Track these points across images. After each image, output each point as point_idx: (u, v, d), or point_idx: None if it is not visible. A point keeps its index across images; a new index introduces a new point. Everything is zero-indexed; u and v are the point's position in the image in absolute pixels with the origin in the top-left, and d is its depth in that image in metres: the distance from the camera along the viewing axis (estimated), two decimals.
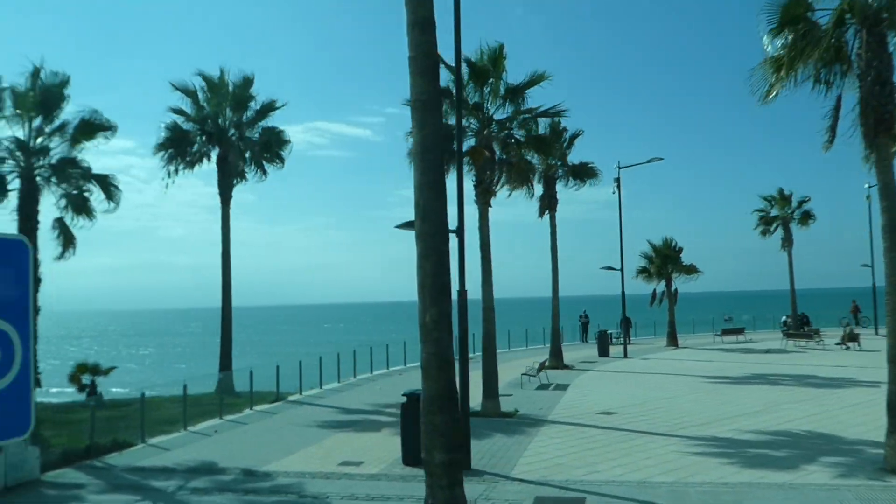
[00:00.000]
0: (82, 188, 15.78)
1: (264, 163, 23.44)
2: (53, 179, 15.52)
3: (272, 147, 23.09)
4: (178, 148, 22.53)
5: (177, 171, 22.79)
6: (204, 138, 22.87)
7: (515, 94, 17.02)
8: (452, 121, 17.65)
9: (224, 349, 23.23)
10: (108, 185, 15.74)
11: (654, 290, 35.56)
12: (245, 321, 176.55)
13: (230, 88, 22.80)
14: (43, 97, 14.68)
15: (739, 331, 38.31)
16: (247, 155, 23.17)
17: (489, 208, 17.62)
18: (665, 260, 34.83)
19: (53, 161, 15.27)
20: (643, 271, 35.34)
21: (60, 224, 15.37)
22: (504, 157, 17.19)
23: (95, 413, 16.45)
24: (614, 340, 37.92)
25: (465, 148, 17.69)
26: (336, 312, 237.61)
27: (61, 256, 15.70)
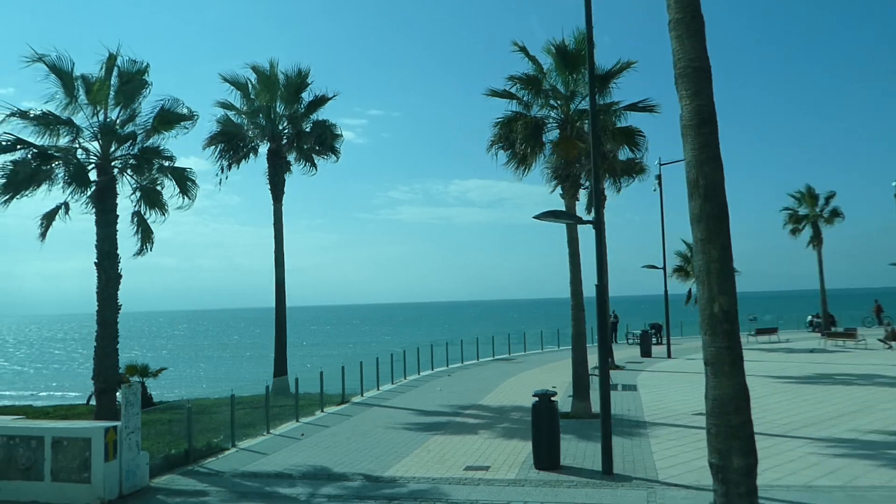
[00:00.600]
0: (156, 181, 14.94)
1: (314, 156, 22.62)
2: (129, 171, 14.66)
3: (326, 140, 22.30)
4: (230, 143, 21.72)
5: (229, 166, 21.98)
6: (256, 132, 22.06)
7: (605, 81, 16.40)
8: (533, 112, 17.14)
9: (278, 351, 22.41)
10: (184, 180, 14.88)
11: (690, 289, 35.14)
12: (239, 323, 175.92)
13: (281, 80, 21.97)
14: (121, 85, 13.85)
15: (773, 330, 37.99)
16: (299, 149, 22.34)
17: (577, 202, 17.04)
18: None
19: (134, 151, 14.38)
20: (679, 270, 34.93)
21: (139, 218, 14.52)
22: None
23: (160, 416, 15.70)
24: (639, 341, 37.63)
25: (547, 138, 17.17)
26: (321, 314, 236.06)
27: (140, 253, 14.86)
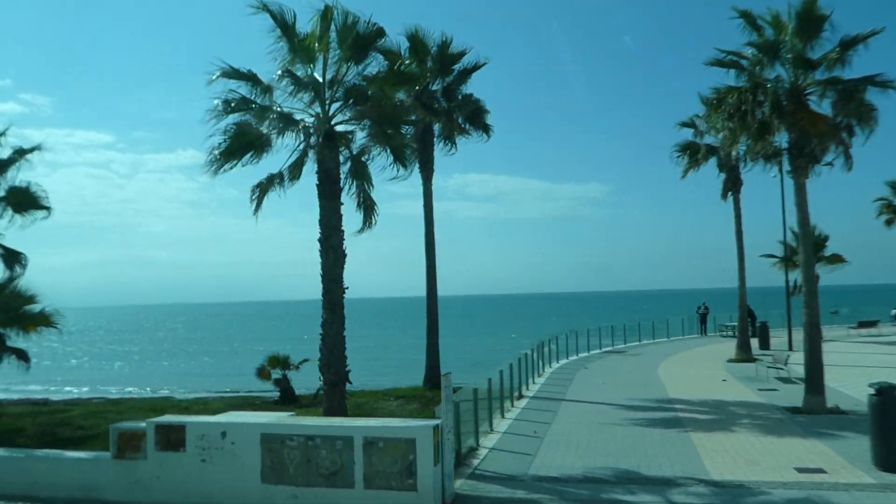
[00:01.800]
0: (364, 151, 13.25)
1: (471, 130, 21.03)
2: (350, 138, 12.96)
3: (479, 116, 20.78)
4: None
5: None
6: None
7: (846, 48, 14.95)
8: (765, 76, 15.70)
9: (431, 341, 20.94)
10: (402, 149, 13.21)
11: (795, 280, 33.81)
12: (239, 316, 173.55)
13: (432, 50, 20.37)
14: (348, 40, 12.24)
15: (873, 323, 36.74)
16: (449, 124, 20.77)
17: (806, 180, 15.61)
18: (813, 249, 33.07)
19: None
20: (784, 260, 33.59)
21: (362, 190, 12.90)
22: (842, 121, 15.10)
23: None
24: (736, 333, 36.28)
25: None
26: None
27: (363, 230, 13.33)
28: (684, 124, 26.44)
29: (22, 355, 14.92)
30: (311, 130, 12.68)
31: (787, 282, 30.31)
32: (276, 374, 19.93)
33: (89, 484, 9.83)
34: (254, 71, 12.68)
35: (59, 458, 10.28)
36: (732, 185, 25.69)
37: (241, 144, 12.27)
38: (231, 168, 12.50)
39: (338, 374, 12.35)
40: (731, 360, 25.44)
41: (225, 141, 12.23)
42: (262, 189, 12.86)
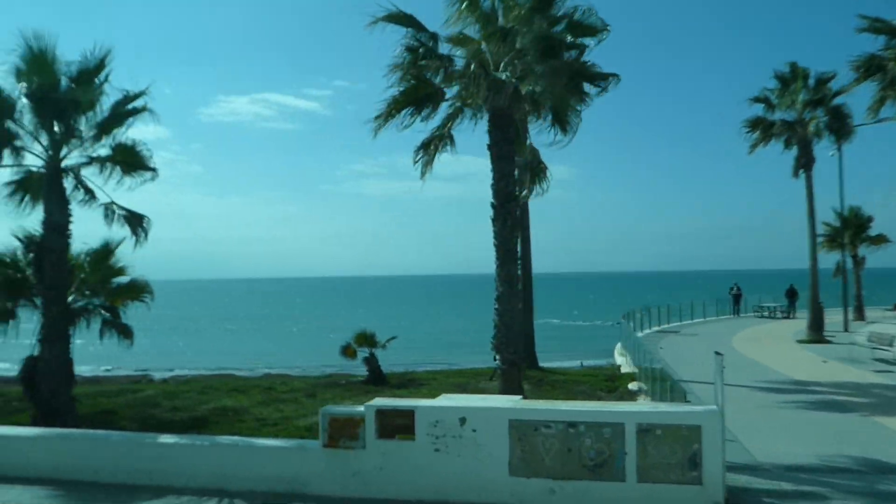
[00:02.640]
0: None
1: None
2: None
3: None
4: None
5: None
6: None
7: None
8: None
9: (525, 321, 19.81)
10: (565, 113, 11.93)
11: (837, 261, 33.59)
12: (203, 294, 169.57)
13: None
14: None
15: None
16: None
17: None
18: (856, 230, 32.93)
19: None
20: (830, 241, 33.36)
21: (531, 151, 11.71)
22: None
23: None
24: (779, 314, 36.05)
25: None
26: (304, 286, 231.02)
27: (529, 193, 12.14)
28: (756, 99, 25.66)
29: (125, 331, 13.40)
30: (485, 86, 11.29)
31: (843, 261, 29.94)
32: (363, 352, 18.66)
33: (292, 476, 8.58)
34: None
35: (252, 446, 8.96)
36: (805, 162, 25.00)
37: (419, 97, 10.92)
38: (403, 123, 11.14)
39: (516, 353, 11.21)
40: (801, 341, 24.95)
41: (400, 92, 10.87)
42: (432, 149, 11.54)
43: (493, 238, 11.35)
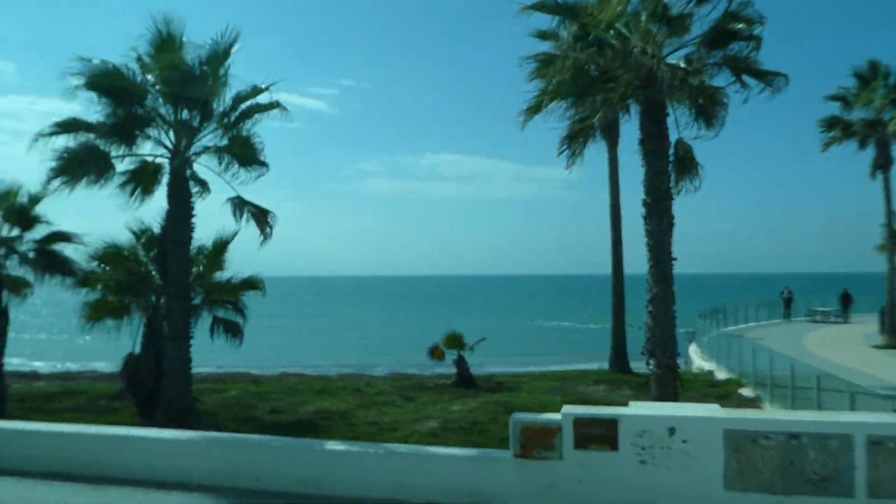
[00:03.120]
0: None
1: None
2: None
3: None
4: None
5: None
6: None
7: None
8: None
9: (616, 322, 19.34)
10: (716, 100, 11.30)
11: None
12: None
13: None
14: None
15: None
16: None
17: None
18: None
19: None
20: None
21: (681, 145, 11.13)
22: None
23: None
24: (832, 319, 35.45)
25: None
26: (302, 285, 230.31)
27: (678, 191, 11.55)
28: (833, 97, 25.11)
29: (234, 329, 12.92)
30: (646, 76, 10.70)
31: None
32: (452, 354, 18.18)
33: (477, 488, 8.07)
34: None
35: (431, 455, 8.44)
36: (883, 162, 24.42)
37: (575, 88, 10.39)
38: (552, 115, 10.61)
39: (672, 357, 10.70)
40: (877, 346, 24.39)
41: (552, 83, 10.35)
42: (581, 141, 11.03)
43: (645, 237, 10.84)
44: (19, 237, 14.36)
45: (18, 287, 14.96)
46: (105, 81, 10.75)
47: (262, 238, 12.09)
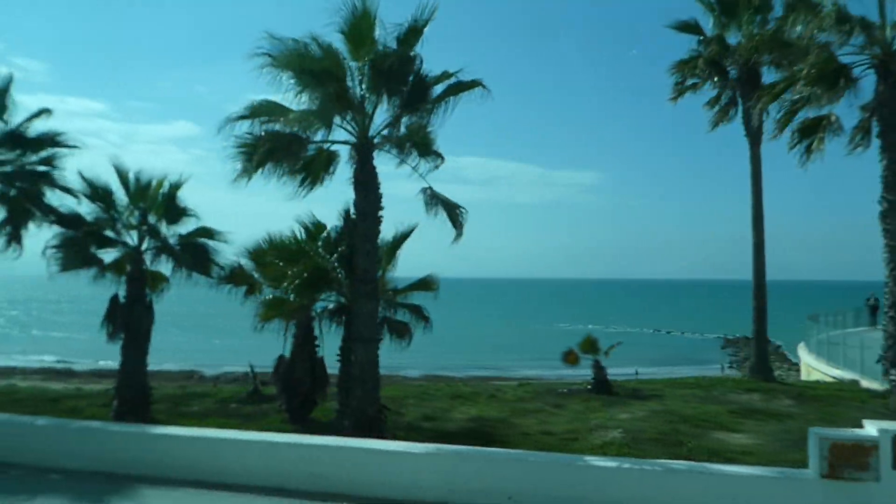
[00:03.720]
0: None
1: None
2: None
3: None
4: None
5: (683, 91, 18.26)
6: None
7: None
8: None
9: (759, 327, 18.44)
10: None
11: None
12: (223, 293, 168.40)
13: None
14: None
15: None
16: None
17: None
18: None
19: None
20: None
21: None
22: None
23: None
24: None
25: None
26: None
27: None
28: None
29: (402, 330, 12.23)
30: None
31: None
32: (588, 358, 17.39)
33: None
34: None
35: (716, 473, 7.60)
36: None
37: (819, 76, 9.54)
38: None
39: None
40: None
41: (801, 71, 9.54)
42: (821, 132, 10.13)
43: (883, 238, 9.95)
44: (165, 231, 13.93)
45: (156, 282, 14.53)
46: (302, 62, 10.04)
47: (455, 234, 11.15)
